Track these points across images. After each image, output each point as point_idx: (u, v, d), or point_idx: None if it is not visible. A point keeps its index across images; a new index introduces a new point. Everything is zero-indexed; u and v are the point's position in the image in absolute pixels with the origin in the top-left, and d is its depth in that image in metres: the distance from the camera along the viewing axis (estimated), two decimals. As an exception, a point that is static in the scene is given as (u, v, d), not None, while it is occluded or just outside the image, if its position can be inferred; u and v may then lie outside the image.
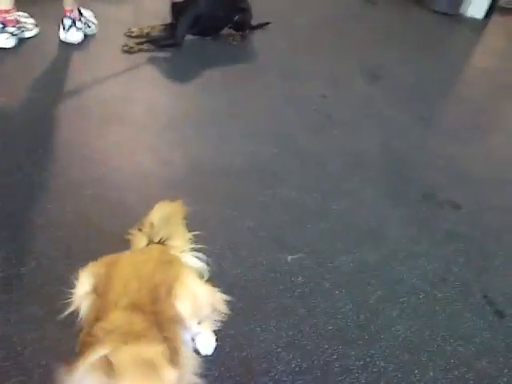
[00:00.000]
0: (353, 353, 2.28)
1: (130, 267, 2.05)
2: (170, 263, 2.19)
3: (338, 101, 4.31)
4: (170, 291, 2.02)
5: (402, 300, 2.58)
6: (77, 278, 2.16)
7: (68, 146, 3.22)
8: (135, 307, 1.73)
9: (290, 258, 2.69)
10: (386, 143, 3.84)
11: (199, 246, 2.48)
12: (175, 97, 3.99)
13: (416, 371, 2.25)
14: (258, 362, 2.15)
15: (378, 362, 2.26)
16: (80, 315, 2.10)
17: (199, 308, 2.16)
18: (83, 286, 2.16)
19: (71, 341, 1.98)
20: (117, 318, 1.72)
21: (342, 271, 2.68)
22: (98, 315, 1.86)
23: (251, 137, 3.63)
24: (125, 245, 2.42)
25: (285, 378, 2.11)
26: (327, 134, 3.85)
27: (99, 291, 2.07)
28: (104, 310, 1.89)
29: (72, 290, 2.12)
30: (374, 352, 2.30)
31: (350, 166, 3.53)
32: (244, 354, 2.17)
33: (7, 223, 2.56)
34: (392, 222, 3.08)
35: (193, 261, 2.48)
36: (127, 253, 2.25)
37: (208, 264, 2.44)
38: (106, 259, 2.25)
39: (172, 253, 2.30)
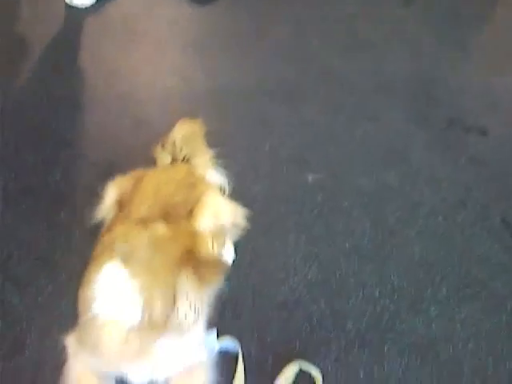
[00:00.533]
0: (368, 269, 2.34)
1: (151, 185, 2.09)
2: (194, 185, 2.21)
3: (368, 21, 4.13)
4: (191, 212, 2.10)
5: (420, 222, 2.60)
6: (104, 190, 2.24)
7: (93, 61, 3.20)
8: (143, 222, 1.74)
9: (310, 177, 2.71)
10: (415, 67, 3.70)
11: (221, 163, 2.53)
12: (200, 15, 3.88)
13: (429, 289, 2.31)
14: (276, 272, 2.23)
15: (392, 279, 2.32)
16: (104, 225, 2.19)
17: (221, 226, 2.23)
18: (110, 198, 2.24)
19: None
20: (120, 230, 1.77)
21: (362, 192, 2.69)
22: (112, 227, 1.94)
23: (277, 57, 3.54)
24: (149, 161, 2.47)
25: (301, 288, 2.19)
26: (355, 55, 3.73)
27: (122, 204, 2.14)
28: (117, 223, 1.97)
29: (99, 201, 2.22)
30: (389, 269, 2.35)
31: (376, 89, 3.44)
32: (263, 265, 2.24)
33: (32, 135, 2.62)
34: (416, 146, 3.03)
35: (214, 177, 2.53)
36: (155, 170, 2.30)
37: (229, 180, 2.49)
38: (133, 174, 2.30)
39: (198, 173, 2.35)
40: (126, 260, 1.47)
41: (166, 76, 3.22)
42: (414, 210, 2.65)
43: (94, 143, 2.66)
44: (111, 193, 2.25)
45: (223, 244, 2.24)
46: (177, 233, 1.60)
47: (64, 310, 1.92)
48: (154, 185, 2.08)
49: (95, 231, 2.15)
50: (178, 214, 1.98)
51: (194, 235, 1.85)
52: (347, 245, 2.42)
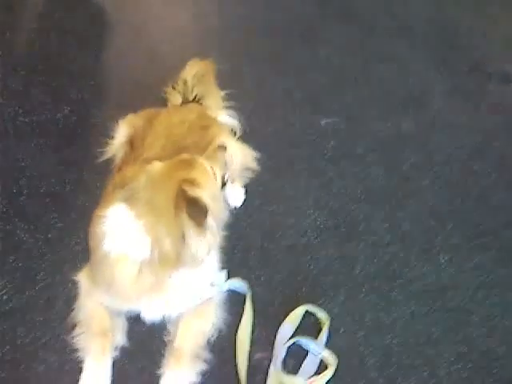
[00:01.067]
0: (379, 215, 2.31)
1: (164, 126, 2.05)
2: (207, 127, 2.17)
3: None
4: (202, 154, 2.05)
5: (435, 169, 2.54)
6: (116, 128, 2.20)
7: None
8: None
9: (324, 121, 2.64)
10: (439, 8, 3.54)
11: (232, 104, 2.46)
12: None
13: (439, 237, 2.28)
14: (285, 216, 2.21)
15: (403, 225, 2.29)
16: (114, 163, 2.17)
17: (232, 170, 2.20)
18: (120, 137, 2.20)
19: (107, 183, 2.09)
20: (131, 171, 1.74)
21: (377, 137, 2.62)
22: (124, 166, 1.92)
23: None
24: (160, 100, 2.41)
25: (310, 233, 2.17)
26: (376, -6, 3.57)
27: (133, 143, 2.11)
28: (129, 162, 1.94)
29: (109, 138, 2.18)
30: (400, 216, 2.32)
31: (398, 31, 3.29)
32: (272, 208, 2.22)
33: (42, 68, 2.55)
34: (435, 92, 2.93)
35: (225, 119, 2.47)
36: (167, 109, 2.25)
37: (240, 122, 2.44)
38: (145, 113, 2.25)
39: (210, 115, 2.30)
40: (129, 202, 1.46)
41: (179, 11, 3.10)
42: (429, 157, 2.59)
43: (104, 79, 2.60)
44: (122, 131, 2.20)
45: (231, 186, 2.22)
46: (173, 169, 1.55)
47: (74, 247, 1.92)
48: (167, 126, 2.04)
49: (105, 168, 2.14)
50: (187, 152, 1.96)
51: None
52: (359, 191, 2.38)
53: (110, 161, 2.14)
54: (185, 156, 1.66)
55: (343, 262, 2.11)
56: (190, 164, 1.59)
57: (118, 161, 2.14)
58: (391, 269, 2.14)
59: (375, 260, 2.15)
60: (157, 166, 1.54)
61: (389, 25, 3.32)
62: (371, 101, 2.82)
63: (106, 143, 2.16)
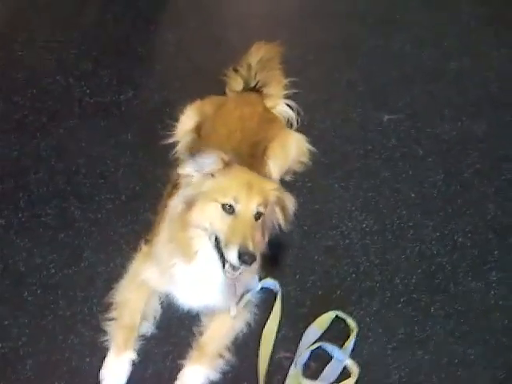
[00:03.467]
0: (431, 223, 2.20)
1: (236, 117, 2.08)
2: (272, 122, 2.20)
3: None
4: (265, 150, 2.08)
5: (502, 178, 2.37)
6: (181, 113, 2.26)
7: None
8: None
9: (386, 117, 2.53)
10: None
11: (293, 94, 2.43)
12: None
13: (496, 251, 2.14)
14: (330, 216, 2.17)
15: (456, 237, 2.17)
16: (176, 149, 2.24)
17: (288, 167, 2.20)
18: (188, 122, 2.25)
19: (159, 170, 2.17)
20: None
21: (442, 139, 2.48)
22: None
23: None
24: (220, 85, 2.43)
25: (353, 236, 2.13)
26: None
27: (202, 132, 2.15)
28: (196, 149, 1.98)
29: (171, 124, 2.25)
30: (454, 226, 2.20)
31: (486, 22, 3.05)
32: (317, 206, 2.19)
33: (110, 50, 2.65)
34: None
35: (284, 109, 2.45)
36: (234, 98, 2.26)
37: (299, 113, 2.40)
38: (213, 100, 2.28)
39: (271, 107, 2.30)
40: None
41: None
42: (497, 164, 2.42)
43: (169, 64, 2.66)
44: (189, 117, 2.26)
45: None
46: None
47: (120, 229, 2.02)
48: (239, 118, 2.07)
49: (160, 154, 2.22)
50: (259, 150, 2.02)
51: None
52: (413, 195, 2.28)
53: (167, 147, 2.21)
54: None
55: (384, 269, 2.06)
56: None
57: (181, 147, 2.21)
58: (435, 282, 2.05)
59: (419, 271, 2.06)
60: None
61: (475, 13, 3.08)
62: (442, 97, 2.66)
63: (171, 128, 2.23)
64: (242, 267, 1.47)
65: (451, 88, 2.71)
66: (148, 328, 1.77)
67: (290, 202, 1.66)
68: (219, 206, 1.51)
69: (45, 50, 2.57)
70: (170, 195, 1.73)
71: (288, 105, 2.42)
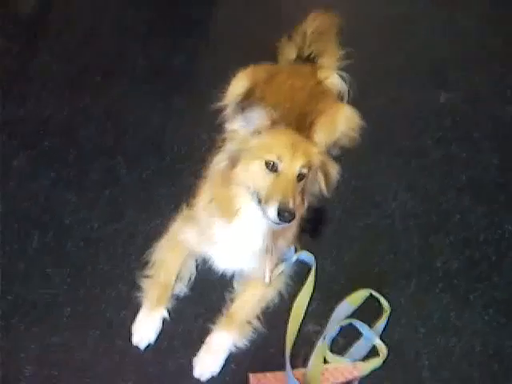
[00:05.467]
0: (480, 210, 2.12)
1: (287, 87, 2.06)
2: (323, 95, 2.15)
3: None
4: (313, 123, 2.03)
5: None
6: (234, 77, 2.24)
7: None
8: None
9: (443, 97, 2.42)
10: None
11: (347, 66, 2.36)
12: None
13: (547, 245, 2.04)
14: (373, 193, 2.12)
15: (505, 226, 2.08)
16: (224, 114, 2.23)
17: (335, 141, 2.16)
18: (239, 87, 2.24)
19: (205, 135, 2.18)
20: None
21: (500, 122, 2.36)
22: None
23: None
24: (273, 53, 2.39)
25: (396, 215, 2.07)
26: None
27: (250, 97, 2.13)
28: None
29: (224, 87, 2.24)
30: (505, 215, 2.10)
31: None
32: (361, 183, 2.14)
33: (165, 14, 2.66)
34: None
35: (338, 81, 2.38)
36: (287, 69, 2.22)
37: (351, 86, 2.33)
38: (265, 67, 2.25)
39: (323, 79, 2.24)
40: None
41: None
42: (558, 153, 2.28)
43: (223, 28, 2.64)
44: (241, 82, 2.24)
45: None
46: None
47: (162, 190, 2.05)
48: (290, 88, 2.05)
49: (206, 120, 2.22)
50: (306, 122, 1.98)
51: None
52: (464, 178, 2.19)
53: (215, 112, 2.21)
54: None
55: (425, 252, 2.00)
56: None
57: (229, 111, 2.20)
58: (478, 270, 1.97)
59: (461, 257, 2.00)
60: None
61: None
62: (506, 80, 2.51)
63: (221, 92, 2.22)
64: (281, 224, 1.46)
65: (515, 69, 2.55)
66: (182, 289, 1.81)
67: (334, 170, 1.64)
68: (263, 164, 1.50)
69: (101, 11, 2.61)
70: (213, 156, 1.72)
71: (341, 76, 2.35)
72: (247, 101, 1.60)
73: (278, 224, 1.46)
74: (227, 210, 1.59)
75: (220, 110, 2.19)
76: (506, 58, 2.59)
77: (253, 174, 1.52)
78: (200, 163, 1.99)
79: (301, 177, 1.52)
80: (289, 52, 2.35)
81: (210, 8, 2.73)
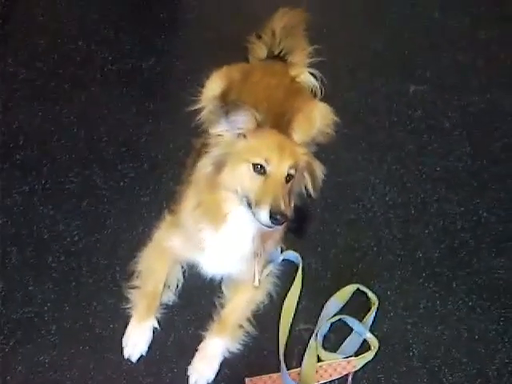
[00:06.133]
0: (456, 198, 2.17)
1: (262, 86, 2.04)
2: (298, 93, 2.16)
3: None
4: (290, 121, 2.02)
5: (531, 153, 2.32)
6: (208, 79, 2.20)
7: None
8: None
9: (412, 88, 2.46)
10: None
11: (317, 62, 2.37)
12: None
13: (521, 230, 2.11)
14: (353, 188, 2.15)
15: (480, 212, 2.14)
16: (200, 116, 2.19)
17: (312, 138, 2.16)
18: (214, 88, 2.19)
19: (182, 138, 2.15)
20: None
21: (469, 111, 2.42)
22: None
23: None
24: (243, 52, 2.38)
25: (376, 209, 2.10)
26: None
27: (226, 98, 2.10)
28: None
29: (198, 90, 2.20)
30: (479, 201, 2.17)
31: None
32: (340, 179, 2.16)
33: (132, 16, 2.60)
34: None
35: (309, 78, 2.39)
36: (261, 67, 2.20)
37: (323, 82, 2.34)
38: (239, 67, 2.23)
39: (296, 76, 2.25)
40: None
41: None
42: (526, 139, 2.36)
43: (192, 29, 2.61)
44: (216, 83, 2.20)
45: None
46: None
47: (143, 197, 2.02)
48: (266, 87, 2.03)
49: (181, 122, 2.18)
50: (283, 121, 1.96)
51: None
52: (438, 168, 2.24)
53: (190, 114, 2.17)
54: None
55: (406, 243, 2.04)
56: None
57: (205, 114, 2.16)
58: (458, 257, 2.03)
59: (442, 246, 2.05)
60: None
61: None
62: (472, 69, 2.58)
63: (195, 94, 2.19)
64: (274, 227, 1.46)
65: (480, 58, 2.62)
66: (170, 297, 1.79)
67: (319, 169, 1.65)
68: (250, 167, 1.49)
69: (66, 16, 2.53)
70: (195, 163, 1.70)
71: (312, 73, 2.36)
72: (231, 104, 1.57)
73: (271, 227, 1.46)
74: (215, 216, 1.58)
75: (196, 113, 2.16)
76: (469, 47, 2.66)
77: (240, 177, 1.51)
78: (179, 168, 1.99)
79: (289, 177, 1.52)
80: (259, 51, 2.34)
81: (176, 9, 2.68)
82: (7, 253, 1.84)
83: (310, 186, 1.62)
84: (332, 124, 2.23)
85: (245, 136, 1.53)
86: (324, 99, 2.30)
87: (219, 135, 1.55)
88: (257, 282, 1.71)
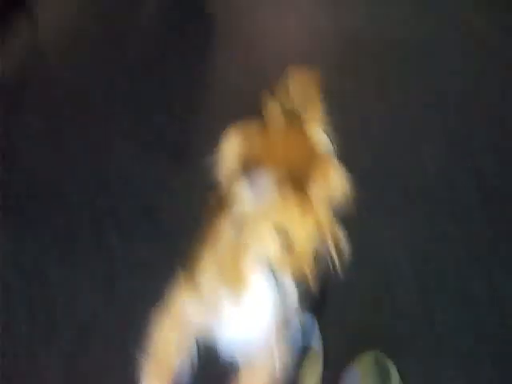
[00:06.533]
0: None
1: (280, 147, 2.02)
2: (314, 155, 2.10)
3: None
4: (310, 184, 1.94)
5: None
6: (224, 139, 2.11)
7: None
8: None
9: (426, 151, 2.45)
10: None
11: (333, 123, 2.36)
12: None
13: None
14: (370, 254, 2.07)
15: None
16: (216, 173, 2.09)
17: (331, 200, 2.09)
18: (232, 148, 2.09)
19: (198, 193, 2.07)
20: None
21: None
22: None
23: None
24: (256, 109, 2.37)
25: (395, 274, 2.04)
26: None
27: (245, 160, 2.01)
28: None
29: (213, 149, 2.13)
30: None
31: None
32: (357, 245, 2.08)
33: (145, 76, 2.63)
34: None
35: (323, 137, 2.38)
36: (276, 126, 2.19)
37: (338, 144, 2.32)
38: (255, 125, 2.17)
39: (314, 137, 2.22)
40: None
41: (290, 20, 3.04)
42: None
43: (204, 89, 2.65)
44: (233, 143, 2.14)
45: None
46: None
47: (156, 257, 1.96)
48: (283, 148, 2.01)
49: (201, 178, 2.10)
50: (304, 184, 1.90)
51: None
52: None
53: (208, 172, 2.09)
54: None
55: (426, 312, 1.97)
56: None
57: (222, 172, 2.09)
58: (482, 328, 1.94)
59: (461, 314, 1.97)
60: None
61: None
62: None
63: (210, 154, 2.13)
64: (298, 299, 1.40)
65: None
66: (184, 368, 1.68)
67: (344, 240, 1.59)
68: (273, 231, 1.43)
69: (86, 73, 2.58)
70: (212, 220, 1.65)
71: (325, 132, 2.35)
72: (251, 167, 1.54)
73: (294, 296, 1.40)
74: (234, 280, 1.50)
75: (212, 170, 2.13)
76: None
77: (262, 241, 1.44)
78: (195, 225, 1.93)
79: (313, 246, 1.46)
80: (273, 108, 2.35)
81: (196, 67, 2.75)
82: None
83: (334, 257, 1.56)
84: (349, 188, 2.19)
85: (267, 198, 1.49)
86: (339, 161, 2.28)
87: (240, 196, 1.50)
88: (278, 367, 1.60)
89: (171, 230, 2.06)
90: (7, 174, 2.12)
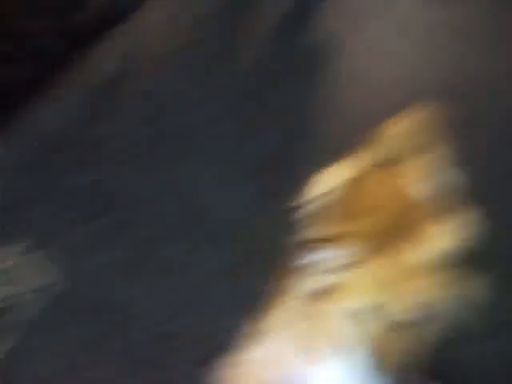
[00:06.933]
0: None
1: (374, 196, 1.81)
2: (418, 208, 1.90)
3: None
4: (411, 243, 1.78)
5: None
6: (315, 179, 2.02)
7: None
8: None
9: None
10: None
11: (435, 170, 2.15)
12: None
13: None
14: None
15: None
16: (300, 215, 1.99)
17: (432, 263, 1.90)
18: (321, 188, 1.98)
19: (276, 234, 1.89)
20: None
21: None
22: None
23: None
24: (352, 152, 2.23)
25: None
26: None
27: (333, 205, 1.89)
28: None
29: (301, 187, 2.03)
30: None
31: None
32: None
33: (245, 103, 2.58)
34: None
35: (430, 186, 2.16)
36: (372, 172, 2.01)
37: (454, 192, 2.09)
38: (349, 169, 2.04)
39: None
40: None
41: (395, 63, 2.88)
42: None
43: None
44: (322, 183, 2.01)
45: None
46: None
47: (223, 297, 1.85)
48: (377, 198, 1.80)
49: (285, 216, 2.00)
50: (402, 241, 1.73)
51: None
52: None
53: (288, 210, 1.99)
54: None
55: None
56: None
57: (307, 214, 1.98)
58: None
59: None
60: None
61: None
62: None
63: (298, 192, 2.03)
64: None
65: None
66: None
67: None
68: (358, 308, 1.19)
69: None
70: (288, 271, 1.47)
71: (434, 181, 2.14)
72: (315, 242, 1.35)
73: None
74: (309, 349, 1.27)
75: (297, 211, 1.99)
76: None
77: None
78: (268, 267, 1.78)
79: (411, 327, 1.20)
80: (371, 154, 2.18)
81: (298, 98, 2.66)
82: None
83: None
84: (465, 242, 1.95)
85: (348, 268, 1.22)
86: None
87: (318, 263, 1.27)
88: None
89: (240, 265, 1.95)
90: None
